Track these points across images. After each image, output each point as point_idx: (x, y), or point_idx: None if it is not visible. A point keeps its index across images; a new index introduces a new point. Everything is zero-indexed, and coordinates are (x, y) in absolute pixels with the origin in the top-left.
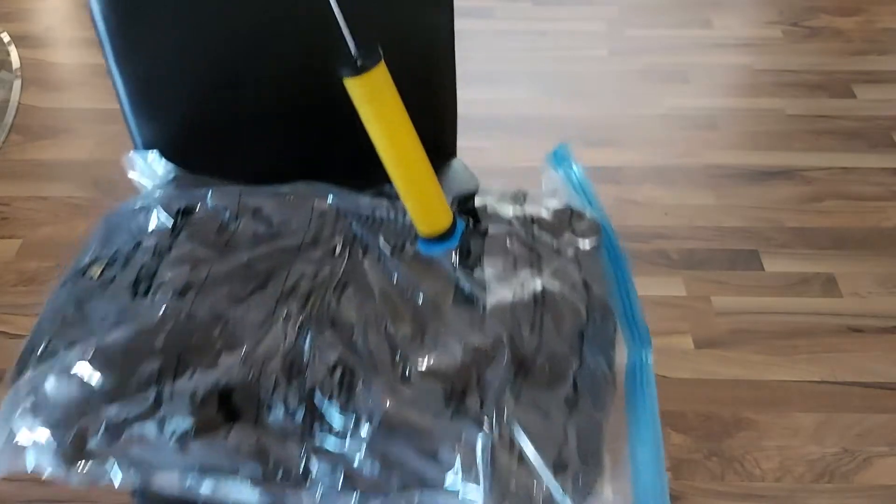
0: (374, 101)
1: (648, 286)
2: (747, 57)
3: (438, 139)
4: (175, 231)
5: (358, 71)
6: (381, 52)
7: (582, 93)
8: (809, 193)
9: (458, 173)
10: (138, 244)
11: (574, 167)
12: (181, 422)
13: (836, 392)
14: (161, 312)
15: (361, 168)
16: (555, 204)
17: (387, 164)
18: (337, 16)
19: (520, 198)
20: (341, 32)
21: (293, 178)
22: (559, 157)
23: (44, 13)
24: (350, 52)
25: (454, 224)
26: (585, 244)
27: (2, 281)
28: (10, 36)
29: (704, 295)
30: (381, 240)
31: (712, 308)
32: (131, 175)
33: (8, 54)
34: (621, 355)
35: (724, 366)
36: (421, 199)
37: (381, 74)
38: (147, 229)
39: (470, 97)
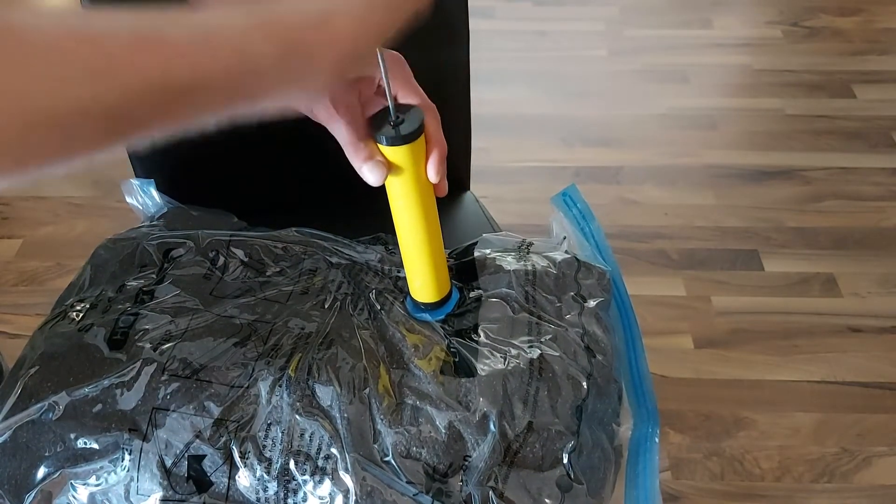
0: (406, 171)
1: (648, 286)
2: (747, 57)
3: (452, 174)
4: (160, 274)
5: (399, 141)
6: (423, 121)
7: (582, 93)
8: (809, 193)
9: (469, 207)
10: (122, 286)
11: (584, 212)
12: (150, 489)
13: (836, 392)
14: (135, 370)
15: (359, 206)
16: (561, 255)
17: (401, 235)
18: (384, 82)
19: (524, 249)
20: (386, 97)
21: (290, 210)
22: (568, 199)
23: None
24: (391, 118)
25: (449, 294)
26: (592, 303)
27: (2, 281)
28: None
29: (704, 295)
30: (373, 295)
31: (712, 308)
32: (128, 200)
33: None
34: (626, 424)
35: (724, 366)
36: (423, 271)
37: (420, 146)
38: (133, 270)
39: (470, 97)
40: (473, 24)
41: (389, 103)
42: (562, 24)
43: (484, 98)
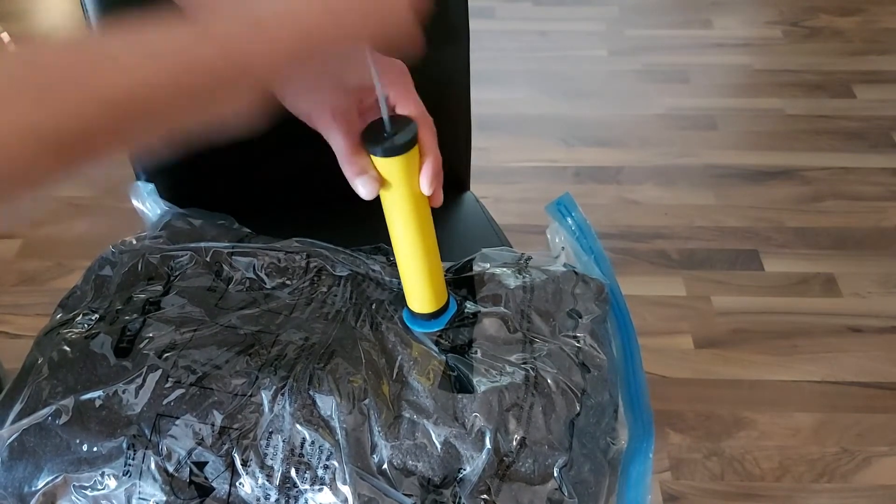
0: (399, 183)
1: (648, 286)
2: (747, 57)
3: (452, 174)
4: (167, 286)
5: (391, 152)
6: (416, 133)
7: (582, 93)
8: (809, 193)
9: (469, 207)
10: (129, 298)
11: (579, 221)
12: (151, 494)
13: (836, 392)
14: (140, 377)
15: (361, 212)
16: (559, 268)
17: (396, 246)
18: (378, 93)
19: (522, 264)
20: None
21: (291, 212)
22: (562, 208)
23: (44, 13)
24: (385, 129)
25: (446, 305)
26: (588, 318)
27: (2, 281)
28: (9, 36)
29: (704, 295)
30: (374, 307)
31: (712, 308)
32: (134, 203)
33: None
34: (622, 438)
35: (724, 366)
36: (418, 282)
37: (413, 157)
38: (140, 283)
39: (470, 97)
40: (473, 24)
41: (384, 114)
42: (562, 24)
43: (484, 98)
